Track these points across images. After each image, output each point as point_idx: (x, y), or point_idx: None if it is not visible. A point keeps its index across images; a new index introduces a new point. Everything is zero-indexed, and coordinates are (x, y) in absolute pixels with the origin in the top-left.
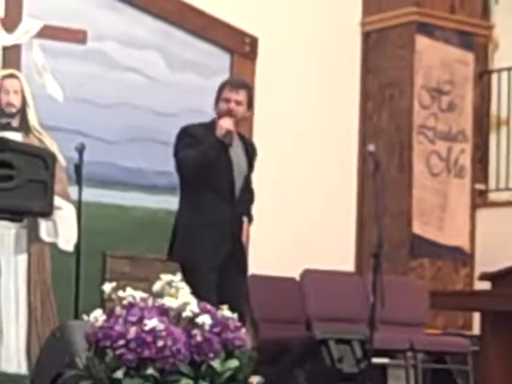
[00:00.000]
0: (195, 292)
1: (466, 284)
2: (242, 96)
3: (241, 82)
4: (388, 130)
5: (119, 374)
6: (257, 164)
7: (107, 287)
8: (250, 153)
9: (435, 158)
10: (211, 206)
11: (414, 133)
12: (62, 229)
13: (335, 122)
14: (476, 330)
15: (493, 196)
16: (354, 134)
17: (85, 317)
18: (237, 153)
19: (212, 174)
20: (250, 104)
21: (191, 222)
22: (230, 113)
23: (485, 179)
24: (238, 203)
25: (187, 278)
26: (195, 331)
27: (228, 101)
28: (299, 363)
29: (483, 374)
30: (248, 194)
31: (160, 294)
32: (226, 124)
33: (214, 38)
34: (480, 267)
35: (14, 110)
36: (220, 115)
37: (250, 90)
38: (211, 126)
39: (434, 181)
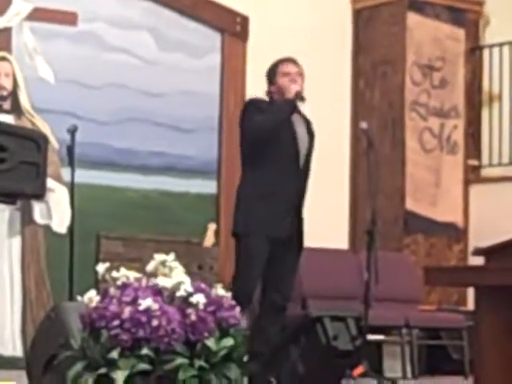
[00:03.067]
0: (244, 265)
1: (460, 260)
2: (298, 68)
3: (293, 58)
4: (380, 107)
5: (114, 354)
6: None
7: (101, 268)
8: (311, 131)
9: (428, 134)
10: (277, 177)
11: (406, 110)
12: (55, 211)
13: (327, 100)
14: (470, 305)
15: (486, 172)
16: (346, 111)
17: (79, 298)
18: (301, 128)
19: (277, 144)
20: (303, 80)
21: (255, 193)
22: (295, 83)
23: (478, 155)
24: (303, 176)
25: (239, 250)
26: (189, 310)
27: (288, 74)
28: (294, 341)
29: (478, 350)
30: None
31: (154, 274)
32: (295, 86)
33: (204, 17)
34: (474, 243)
35: (5, 93)
36: (281, 89)
37: (301, 66)
38: (272, 102)
39: (427, 157)
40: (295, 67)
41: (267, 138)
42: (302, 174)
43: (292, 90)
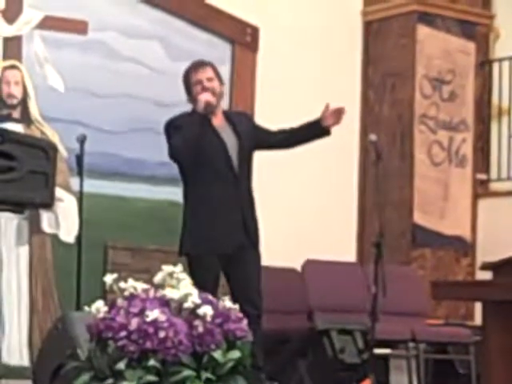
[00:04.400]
0: (198, 284)
1: (468, 274)
2: (209, 72)
3: (201, 61)
4: (389, 119)
5: (121, 365)
6: (258, 154)
7: (109, 278)
8: (241, 126)
9: (437, 147)
10: (214, 189)
11: (415, 122)
12: (64, 220)
13: None
14: (478, 320)
15: (494, 186)
16: (355, 123)
17: (86, 308)
18: (226, 132)
19: (207, 157)
20: (219, 79)
21: (197, 210)
22: (206, 91)
23: (486, 169)
24: (243, 180)
25: (191, 270)
26: (197, 322)
27: (200, 81)
28: (301, 354)
29: (485, 365)
30: (277, 133)
31: (161, 285)
32: (204, 97)
33: (215, 28)
34: (481, 257)
35: (15, 101)
36: (195, 99)
37: (212, 65)
38: (193, 113)
39: (436, 170)
40: (205, 72)
41: (190, 157)
42: (241, 178)
43: (200, 100)
